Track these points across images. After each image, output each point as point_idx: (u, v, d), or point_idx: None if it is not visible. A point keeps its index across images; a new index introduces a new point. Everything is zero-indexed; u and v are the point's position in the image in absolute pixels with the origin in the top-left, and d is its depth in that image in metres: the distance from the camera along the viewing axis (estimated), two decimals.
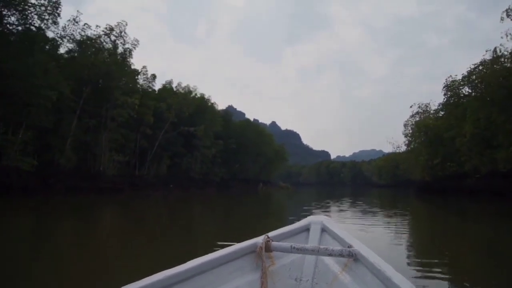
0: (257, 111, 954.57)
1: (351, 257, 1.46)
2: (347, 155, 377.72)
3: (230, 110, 67.82)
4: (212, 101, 46.65)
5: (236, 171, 53.86)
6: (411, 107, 43.48)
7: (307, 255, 1.63)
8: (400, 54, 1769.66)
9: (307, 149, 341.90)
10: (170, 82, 42.04)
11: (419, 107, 42.79)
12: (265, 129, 69.42)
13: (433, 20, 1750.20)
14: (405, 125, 45.43)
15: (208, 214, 13.10)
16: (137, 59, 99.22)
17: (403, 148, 49.89)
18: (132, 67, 35.52)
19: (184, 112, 37.37)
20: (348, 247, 1.50)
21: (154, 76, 36.84)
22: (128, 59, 29.59)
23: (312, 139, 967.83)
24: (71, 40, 25.34)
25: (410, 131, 44.33)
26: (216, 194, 30.00)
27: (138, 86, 35.21)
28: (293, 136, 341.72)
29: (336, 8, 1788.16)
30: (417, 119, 43.04)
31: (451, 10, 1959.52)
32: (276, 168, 69.33)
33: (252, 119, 77.80)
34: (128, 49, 28.69)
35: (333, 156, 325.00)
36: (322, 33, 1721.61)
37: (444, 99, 34.85)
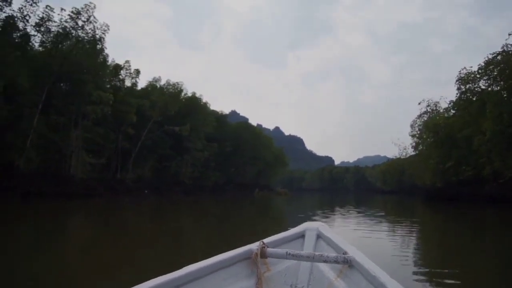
0: (261, 116, 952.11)
1: (346, 263, 1.44)
2: (351, 160, 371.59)
3: (233, 115, 65.13)
4: (204, 101, 43.68)
5: (231, 175, 51.16)
6: (419, 104, 39.56)
7: (302, 261, 1.62)
8: (403, 60, 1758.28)
9: (310, 154, 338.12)
10: (157, 80, 39.08)
11: (428, 105, 38.88)
12: (262, 131, 66.09)
13: (436, 26, 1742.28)
14: (411, 126, 41.56)
15: (182, 224, 10.81)
16: (139, 63, 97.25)
17: (410, 151, 46.27)
18: (115, 62, 33.06)
19: (170, 111, 34.33)
20: (343, 253, 1.49)
21: (137, 72, 33.99)
22: (103, 47, 26.46)
23: (315, 145, 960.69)
24: (27, 23, 22.17)
25: (418, 132, 40.61)
26: (208, 200, 27.78)
27: (119, 82, 32.37)
28: (296, 142, 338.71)
29: (340, 13, 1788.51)
30: (425, 119, 39.31)
31: (454, 16, 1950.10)
32: (275, 173, 65.96)
33: (255, 124, 75.20)
34: (99, 37, 25.52)
35: (337, 162, 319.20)
36: (325, 39, 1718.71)
37: (456, 94, 31.06)
